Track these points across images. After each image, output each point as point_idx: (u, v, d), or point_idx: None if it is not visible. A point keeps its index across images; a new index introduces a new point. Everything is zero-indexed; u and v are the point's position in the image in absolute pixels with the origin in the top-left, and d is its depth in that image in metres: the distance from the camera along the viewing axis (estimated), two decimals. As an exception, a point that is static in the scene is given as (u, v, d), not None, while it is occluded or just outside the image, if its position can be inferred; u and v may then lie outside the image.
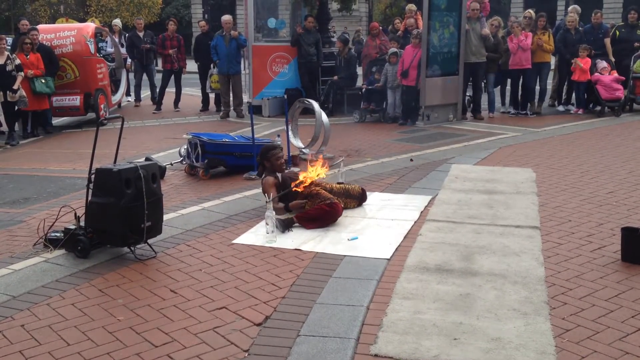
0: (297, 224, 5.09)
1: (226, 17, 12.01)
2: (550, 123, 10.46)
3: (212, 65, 12.32)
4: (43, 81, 10.22)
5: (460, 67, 10.59)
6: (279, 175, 5.58)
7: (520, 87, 11.38)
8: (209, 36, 12.52)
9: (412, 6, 12.30)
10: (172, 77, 13.01)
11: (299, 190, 5.26)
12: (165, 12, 38.95)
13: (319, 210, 5.11)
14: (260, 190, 6.23)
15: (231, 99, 12.14)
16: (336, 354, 3.09)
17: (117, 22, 15.17)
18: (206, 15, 27.78)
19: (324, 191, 5.34)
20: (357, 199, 5.68)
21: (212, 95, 12.92)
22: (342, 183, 5.93)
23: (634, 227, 4.44)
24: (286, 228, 5.00)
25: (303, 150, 7.89)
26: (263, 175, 5.66)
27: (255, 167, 6.91)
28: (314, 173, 5.47)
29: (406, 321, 3.41)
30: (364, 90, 11.28)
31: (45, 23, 26.86)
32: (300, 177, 5.50)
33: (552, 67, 12.05)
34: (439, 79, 10.41)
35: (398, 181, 6.63)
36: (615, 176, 6.71)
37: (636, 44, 11.38)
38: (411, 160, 7.51)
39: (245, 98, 12.30)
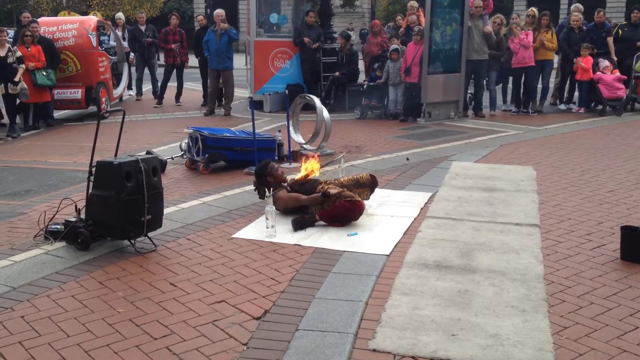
0: (320, 222, 4.99)
1: (217, 11, 11.82)
2: (552, 121, 10.46)
3: None
4: (44, 73, 10.21)
5: (462, 64, 10.58)
6: (286, 185, 5.39)
7: (522, 85, 11.37)
8: (207, 31, 12.49)
9: (414, 3, 12.28)
10: (174, 71, 13.01)
11: (322, 191, 5.15)
12: (167, 6, 38.88)
13: (341, 207, 5.00)
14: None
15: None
16: (334, 349, 3.10)
17: (121, 15, 15.16)
18: (208, 10, 27.70)
19: (343, 190, 5.19)
20: (368, 186, 5.53)
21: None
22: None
23: (634, 226, 4.45)
24: (300, 228, 4.90)
25: (304, 145, 7.89)
26: (271, 193, 5.13)
27: (256, 162, 6.93)
28: (309, 167, 5.49)
29: (405, 317, 3.42)
30: (365, 86, 11.28)
31: (48, 16, 26.84)
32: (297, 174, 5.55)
33: (555, 65, 12.03)
34: (440, 76, 10.40)
35: (398, 178, 6.64)
36: (615, 175, 6.71)
37: (639, 43, 11.35)
38: (407, 159, 7.49)
39: (246, 93, 12.24)
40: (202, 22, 13.02)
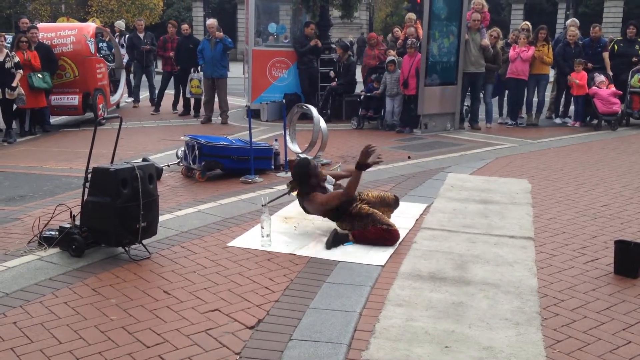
0: (351, 241, 4.83)
1: (210, 21, 11.98)
2: (547, 135, 10.51)
3: (192, 70, 12.31)
4: (40, 76, 10.20)
5: (459, 76, 10.64)
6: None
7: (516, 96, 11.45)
8: (191, 40, 12.53)
9: (412, 15, 12.38)
10: (172, 79, 13.02)
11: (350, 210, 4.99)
12: (167, 14, 39.04)
13: (377, 233, 4.84)
14: (255, 194, 6.27)
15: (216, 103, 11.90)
16: (328, 359, 3.09)
17: (121, 23, 15.19)
18: (207, 18, 27.84)
19: (376, 212, 5.02)
20: (392, 206, 5.42)
21: (192, 100, 12.79)
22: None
23: (628, 240, 4.46)
24: (333, 245, 4.71)
25: (300, 155, 7.89)
26: (306, 196, 5.05)
27: (252, 171, 6.96)
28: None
29: (398, 328, 3.42)
30: (362, 97, 11.32)
31: (46, 22, 26.88)
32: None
33: (551, 79, 12.12)
34: (437, 88, 10.45)
35: (394, 188, 6.64)
36: (610, 189, 6.74)
37: (634, 59, 11.45)
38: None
39: (244, 102, 12.27)
40: (186, 31, 12.82)
